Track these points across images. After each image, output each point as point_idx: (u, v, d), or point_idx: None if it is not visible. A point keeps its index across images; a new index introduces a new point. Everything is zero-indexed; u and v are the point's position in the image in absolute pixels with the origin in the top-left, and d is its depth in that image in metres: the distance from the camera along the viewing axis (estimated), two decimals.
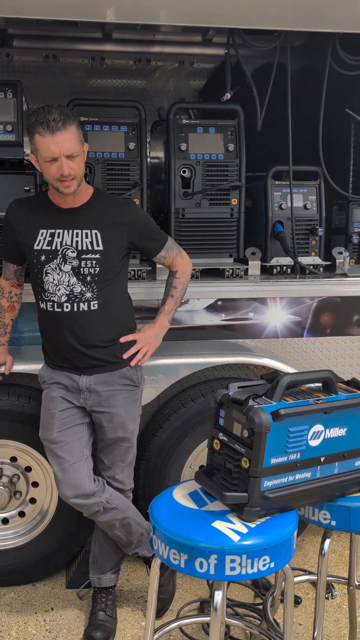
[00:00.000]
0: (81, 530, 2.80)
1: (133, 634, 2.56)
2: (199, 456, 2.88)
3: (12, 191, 2.80)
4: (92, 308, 2.35)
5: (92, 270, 2.34)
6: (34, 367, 2.61)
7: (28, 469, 2.79)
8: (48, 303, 2.37)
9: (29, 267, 2.42)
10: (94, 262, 2.34)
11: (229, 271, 2.98)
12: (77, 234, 2.35)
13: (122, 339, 2.44)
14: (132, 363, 2.45)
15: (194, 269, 2.91)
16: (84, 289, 2.34)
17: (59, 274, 2.34)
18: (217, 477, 1.89)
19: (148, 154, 3.47)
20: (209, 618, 2.06)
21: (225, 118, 3.02)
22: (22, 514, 2.83)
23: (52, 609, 2.73)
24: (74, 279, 2.34)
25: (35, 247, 2.35)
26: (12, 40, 3.59)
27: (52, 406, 2.43)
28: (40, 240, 2.35)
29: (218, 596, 1.73)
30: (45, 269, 2.34)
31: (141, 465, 2.82)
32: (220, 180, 2.99)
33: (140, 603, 2.77)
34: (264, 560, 1.68)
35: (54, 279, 2.34)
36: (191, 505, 1.86)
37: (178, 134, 2.96)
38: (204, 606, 2.74)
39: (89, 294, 2.35)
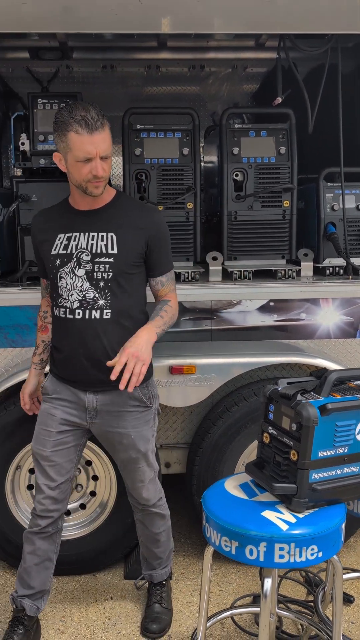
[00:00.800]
0: None
1: (188, 625, 2.64)
2: (252, 454, 2.93)
3: None
4: (104, 317, 2.23)
5: (105, 275, 2.22)
6: None
7: (88, 462, 2.92)
8: (61, 309, 2.27)
9: (47, 274, 2.34)
10: (107, 266, 2.22)
11: (281, 272, 3.02)
12: (92, 236, 2.25)
13: (109, 363, 2.11)
14: (130, 389, 2.09)
15: (246, 270, 2.98)
16: (96, 295, 2.22)
17: (72, 279, 2.24)
18: (266, 469, 1.96)
19: (201, 159, 3.56)
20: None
21: (277, 121, 3.07)
22: (82, 506, 2.96)
23: (111, 597, 2.84)
24: (87, 284, 2.23)
25: (53, 252, 2.27)
26: (72, 52, 3.76)
27: (51, 424, 2.34)
28: (57, 244, 2.27)
29: (267, 583, 1.79)
30: (59, 273, 2.25)
31: (195, 461, 2.90)
32: (272, 182, 3.04)
33: (195, 596, 2.84)
34: (312, 549, 1.74)
35: (67, 284, 2.24)
36: (242, 495, 1.94)
37: (230, 139, 3.03)
38: (257, 600, 2.79)
39: (102, 301, 2.23)
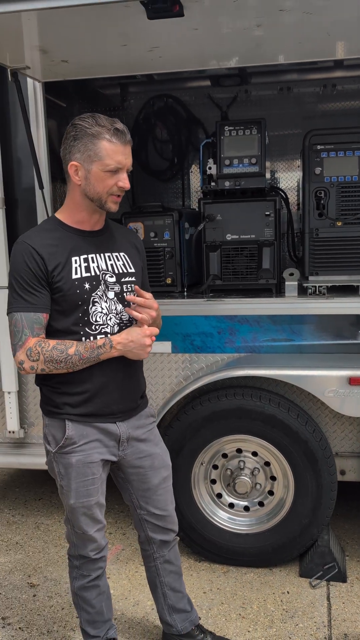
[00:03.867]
0: (315, 526, 3.04)
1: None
2: None
3: (254, 216, 3.18)
4: None
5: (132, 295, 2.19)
6: (274, 372, 2.95)
7: (267, 463, 3.12)
8: (98, 337, 2.12)
9: (61, 305, 2.09)
10: (133, 285, 2.20)
11: None
12: (108, 257, 2.18)
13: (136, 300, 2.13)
14: (145, 318, 2.12)
15: None
16: (130, 316, 2.17)
17: (106, 302, 2.13)
18: None
19: None
20: None
21: None
22: (261, 504, 3.17)
23: (288, 592, 3.00)
24: (119, 306, 2.16)
25: (75, 277, 2.08)
26: (250, 77, 4.00)
27: (91, 472, 2.16)
28: (76, 268, 2.10)
29: None
30: (92, 297, 2.11)
31: None
32: None
33: None
34: None
35: (102, 308, 2.12)
36: None
37: None
38: None
39: (134, 321, 2.17)
